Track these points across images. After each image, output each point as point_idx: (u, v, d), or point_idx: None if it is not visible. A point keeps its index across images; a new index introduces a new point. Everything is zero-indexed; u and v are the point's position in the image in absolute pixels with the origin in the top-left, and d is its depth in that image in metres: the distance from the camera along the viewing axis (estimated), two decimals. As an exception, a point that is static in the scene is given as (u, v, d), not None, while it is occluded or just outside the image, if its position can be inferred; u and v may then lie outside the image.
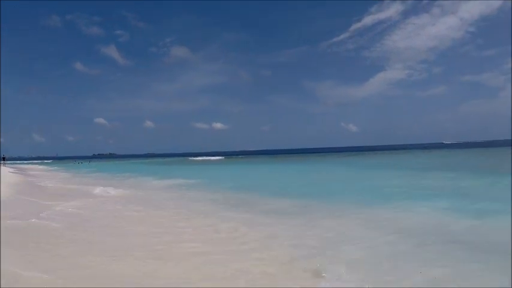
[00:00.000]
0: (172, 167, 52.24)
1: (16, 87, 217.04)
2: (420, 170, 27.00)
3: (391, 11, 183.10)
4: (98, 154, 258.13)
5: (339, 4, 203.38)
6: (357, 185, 19.29)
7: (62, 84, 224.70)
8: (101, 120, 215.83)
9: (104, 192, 17.88)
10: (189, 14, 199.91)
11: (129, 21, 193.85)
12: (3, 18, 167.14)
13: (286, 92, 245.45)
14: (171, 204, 13.96)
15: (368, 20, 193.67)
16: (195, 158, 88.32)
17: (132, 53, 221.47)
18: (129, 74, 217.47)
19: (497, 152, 51.28)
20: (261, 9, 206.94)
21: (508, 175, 17.49)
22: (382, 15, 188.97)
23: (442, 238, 7.65)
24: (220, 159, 78.60)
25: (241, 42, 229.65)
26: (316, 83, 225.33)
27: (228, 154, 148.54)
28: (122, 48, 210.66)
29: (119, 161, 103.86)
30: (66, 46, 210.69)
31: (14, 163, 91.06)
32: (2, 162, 68.74)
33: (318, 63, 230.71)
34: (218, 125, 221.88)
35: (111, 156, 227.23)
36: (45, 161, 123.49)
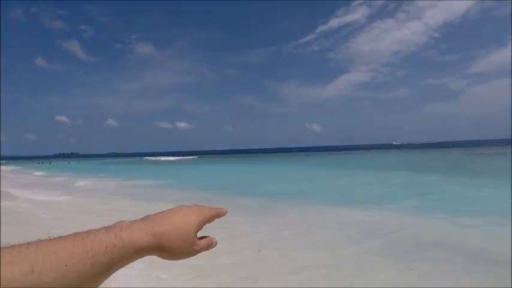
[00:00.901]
0: (127, 166, 51.09)
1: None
2: (381, 169, 27.38)
3: (358, 14, 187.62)
4: (60, 153, 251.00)
5: (306, 6, 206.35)
6: (317, 184, 19.43)
7: (22, 80, 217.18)
8: (62, 118, 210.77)
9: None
10: (157, 12, 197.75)
11: (94, 16, 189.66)
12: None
13: (252, 92, 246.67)
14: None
15: (334, 22, 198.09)
16: (152, 158, 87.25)
17: (96, 49, 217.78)
18: (92, 70, 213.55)
19: (457, 152, 53.63)
20: (229, 9, 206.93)
21: (463, 175, 18.44)
22: (348, 18, 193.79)
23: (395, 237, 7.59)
24: (181, 159, 77.80)
25: (209, 41, 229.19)
26: (281, 84, 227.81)
27: (191, 154, 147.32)
28: (85, 44, 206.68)
29: (82, 160, 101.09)
30: (27, 41, 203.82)
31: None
32: None
33: (284, 64, 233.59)
34: (182, 125, 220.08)
35: (73, 156, 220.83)
36: (3, 161, 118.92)
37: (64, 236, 0.59)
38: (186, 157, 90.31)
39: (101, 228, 0.63)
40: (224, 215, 0.80)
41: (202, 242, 0.74)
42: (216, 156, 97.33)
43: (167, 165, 55.25)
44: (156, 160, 76.57)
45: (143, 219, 0.69)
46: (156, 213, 0.71)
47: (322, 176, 24.46)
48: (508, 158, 31.14)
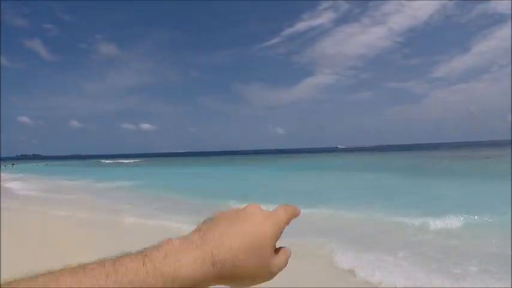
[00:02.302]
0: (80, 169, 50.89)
1: None
2: (344, 171, 28.97)
3: (323, 18, 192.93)
4: (22, 155, 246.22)
5: (273, 9, 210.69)
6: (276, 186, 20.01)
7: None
8: (24, 119, 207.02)
9: None
10: (121, 11, 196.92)
11: (57, 15, 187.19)
12: None
13: (216, 93, 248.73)
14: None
15: (300, 26, 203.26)
16: (105, 161, 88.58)
17: (59, 48, 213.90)
18: (55, 70, 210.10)
19: (419, 154, 56.87)
20: (194, 10, 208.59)
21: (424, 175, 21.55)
22: (314, 22, 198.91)
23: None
24: (139, 162, 78.78)
25: (173, 42, 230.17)
26: (246, 86, 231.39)
27: (154, 156, 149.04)
28: (48, 43, 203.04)
29: (50, 162, 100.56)
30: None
31: None
32: None
33: (249, 66, 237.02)
34: (146, 126, 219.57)
35: (36, 157, 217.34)
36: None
37: (87, 266, 0.42)
38: (152, 158, 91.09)
39: (137, 253, 0.44)
40: (299, 215, 0.57)
41: (280, 260, 0.52)
42: (173, 159, 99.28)
43: (137, 167, 55.00)
44: (112, 163, 78.36)
45: (198, 235, 0.48)
46: (215, 222, 0.50)
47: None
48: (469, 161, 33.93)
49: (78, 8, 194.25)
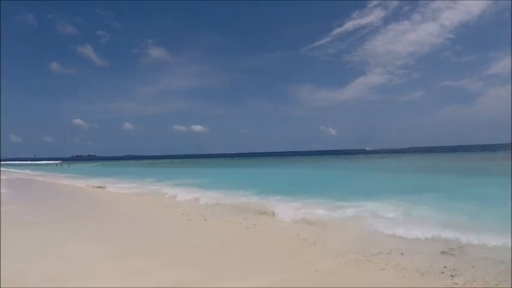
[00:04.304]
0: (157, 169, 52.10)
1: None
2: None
3: (373, 16, 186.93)
4: (77, 155, 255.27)
5: (321, 9, 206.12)
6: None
7: (39, 84, 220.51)
8: (79, 122, 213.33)
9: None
10: (169, 16, 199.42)
11: (108, 22, 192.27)
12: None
13: (266, 95, 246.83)
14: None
15: (349, 25, 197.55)
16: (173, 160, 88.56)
17: (110, 53, 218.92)
18: (107, 74, 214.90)
19: (474, 156, 53.97)
20: (242, 13, 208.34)
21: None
22: (363, 21, 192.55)
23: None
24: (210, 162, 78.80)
25: (222, 44, 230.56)
26: (296, 87, 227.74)
27: (206, 157, 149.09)
28: (100, 49, 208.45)
29: (102, 162, 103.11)
30: (41, 46, 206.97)
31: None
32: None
33: (298, 67, 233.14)
34: (197, 127, 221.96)
35: (91, 158, 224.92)
36: (23, 162, 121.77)
37: None
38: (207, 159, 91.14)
39: None
40: None
41: None
42: (234, 159, 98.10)
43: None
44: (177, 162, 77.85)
45: None
46: None
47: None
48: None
49: (128, 14, 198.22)
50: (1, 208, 13.29)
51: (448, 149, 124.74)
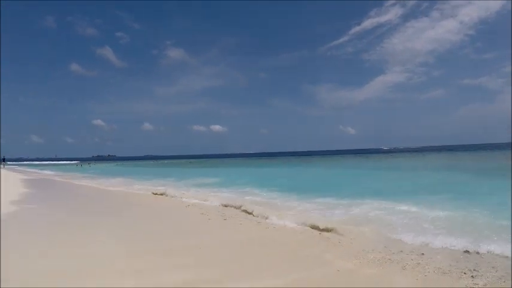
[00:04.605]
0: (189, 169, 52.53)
1: (14, 89, 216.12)
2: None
3: (391, 14, 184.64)
4: (97, 156, 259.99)
5: (339, 8, 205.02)
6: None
7: (59, 85, 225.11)
8: (99, 122, 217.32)
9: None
10: (187, 17, 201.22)
11: (128, 23, 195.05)
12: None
13: (285, 95, 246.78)
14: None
15: (367, 23, 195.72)
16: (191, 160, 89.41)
17: (129, 55, 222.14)
18: (126, 75, 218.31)
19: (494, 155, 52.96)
20: (260, 13, 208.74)
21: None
22: (381, 19, 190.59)
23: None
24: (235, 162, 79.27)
25: (240, 45, 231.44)
26: (315, 87, 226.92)
27: (225, 156, 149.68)
28: (119, 50, 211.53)
29: (121, 162, 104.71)
30: (61, 47, 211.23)
31: (13, 164, 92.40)
32: (2, 163, 70.28)
33: (317, 66, 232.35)
34: (217, 128, 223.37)
35: (111, 158, 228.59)
36: (44, 162, 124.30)
37: None
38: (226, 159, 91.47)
39: None
40: None
41: None
42: (255, 159, 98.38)
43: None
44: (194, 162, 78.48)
45: None
46: None
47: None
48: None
49: (147, 16, 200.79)
50: (23, 207, 13.81)
51: (469, 147, 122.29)
